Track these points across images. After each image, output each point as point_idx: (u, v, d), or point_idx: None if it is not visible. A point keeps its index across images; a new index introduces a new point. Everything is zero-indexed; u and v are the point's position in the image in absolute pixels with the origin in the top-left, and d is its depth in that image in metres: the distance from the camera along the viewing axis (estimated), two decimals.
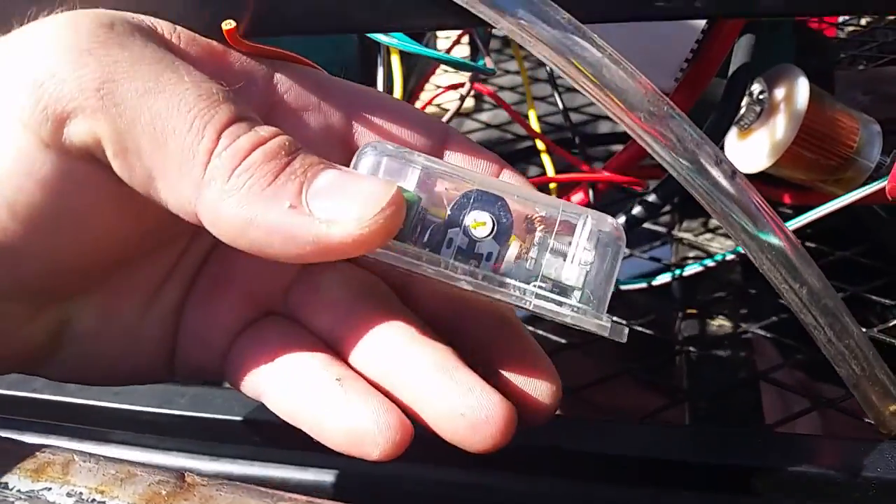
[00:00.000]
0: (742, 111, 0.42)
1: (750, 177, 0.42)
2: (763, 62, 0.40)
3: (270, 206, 0.20)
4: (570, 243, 0.22)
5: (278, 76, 0.25)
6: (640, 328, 0.43)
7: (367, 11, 0.24)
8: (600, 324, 0.22)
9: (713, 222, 0.50)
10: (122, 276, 0.25)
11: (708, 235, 0.48)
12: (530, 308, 0.22)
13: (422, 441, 0.22)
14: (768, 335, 0.40)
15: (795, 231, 0.40)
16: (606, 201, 0.52)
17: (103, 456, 0.22)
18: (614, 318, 0.22)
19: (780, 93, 0.41)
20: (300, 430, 0.23)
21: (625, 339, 0.22)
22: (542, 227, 0.22)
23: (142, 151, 0.20)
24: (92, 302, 0.25)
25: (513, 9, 0.21)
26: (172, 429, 0.34)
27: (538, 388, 0.24)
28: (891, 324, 0.40)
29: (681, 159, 0.21)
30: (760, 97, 0.41)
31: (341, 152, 0.25)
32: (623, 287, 0.43)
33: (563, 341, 0.41)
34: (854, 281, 0.43)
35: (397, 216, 0.20)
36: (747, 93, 0.41)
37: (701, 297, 0.45)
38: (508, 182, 0.25)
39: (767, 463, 0.27)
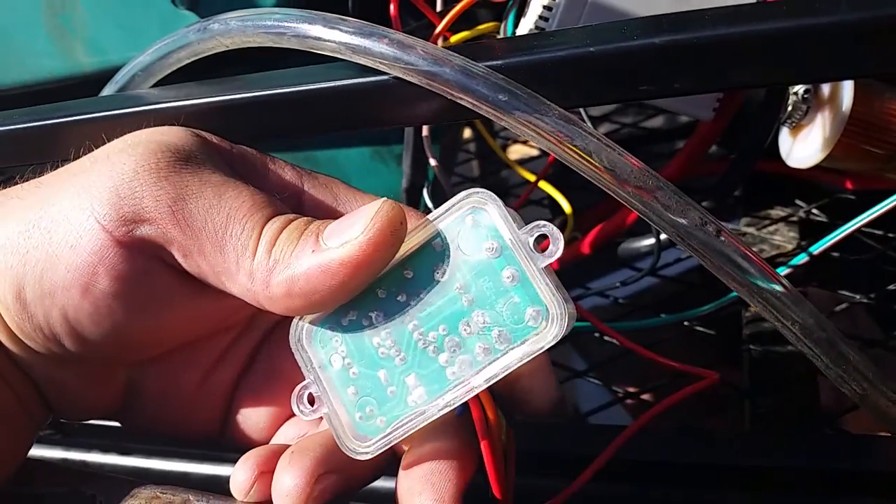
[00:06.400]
0: (789, 109, 0.43)
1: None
2: None
3: (300, 257, 0.25)
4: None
5: (306, 184, 0.29)
6: (701, 328, 0.45)
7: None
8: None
9: (777, 216, 0.50)
10: (183, 352, 0.30)
11: (771, 228, 0.49)
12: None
13: None
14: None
15: (868, 223, 0.41)
16: None
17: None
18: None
19: (825, 88, 0.42)
20: None
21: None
22: None
23: (207, 254, 0.26)
24: (156, 370, 0.30)
25: (511, 109, 0.25)
26: None
27: None
28: None
29: (669, 224, 0.24)
30: (806, 95, 0.42)
31: None
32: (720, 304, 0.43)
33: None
34: None
35: (391, 216, 0.24)
36: (792, 92, 0.42)
37: None
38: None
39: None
